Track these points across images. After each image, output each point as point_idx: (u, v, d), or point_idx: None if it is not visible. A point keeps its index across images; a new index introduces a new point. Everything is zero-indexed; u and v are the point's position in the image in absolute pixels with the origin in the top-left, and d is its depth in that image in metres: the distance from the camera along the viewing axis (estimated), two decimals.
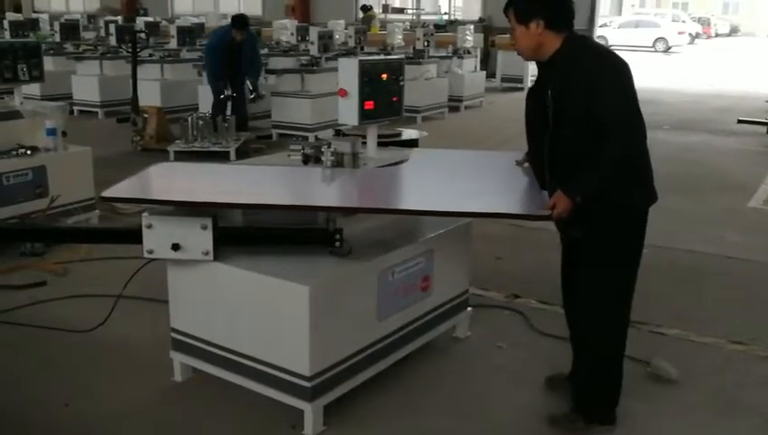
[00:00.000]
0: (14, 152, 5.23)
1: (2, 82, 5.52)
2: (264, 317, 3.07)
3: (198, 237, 3.08)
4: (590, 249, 3.05)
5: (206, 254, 3.09)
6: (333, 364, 3.09)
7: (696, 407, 3.39)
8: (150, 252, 3.15)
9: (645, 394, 3.44)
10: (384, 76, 3.81)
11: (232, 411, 3.26)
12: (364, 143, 3.91)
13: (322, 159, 3.65)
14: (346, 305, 3.12)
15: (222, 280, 3.16)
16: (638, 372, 3.57)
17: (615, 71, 2.86)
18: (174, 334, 3.41)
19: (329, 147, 3.65)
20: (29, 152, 5.26)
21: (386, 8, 21.39)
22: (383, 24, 17.68)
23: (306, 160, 3.74)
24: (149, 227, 3.12)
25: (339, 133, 3.87)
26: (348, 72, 3.72)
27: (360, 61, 3.75)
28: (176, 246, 3.09)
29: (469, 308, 4.02)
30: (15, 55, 5.54)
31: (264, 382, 3.12)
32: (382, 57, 4.38)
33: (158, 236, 3.11)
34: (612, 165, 2.84)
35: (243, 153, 8.18)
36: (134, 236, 3.18)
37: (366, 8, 15.86)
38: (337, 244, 3.14)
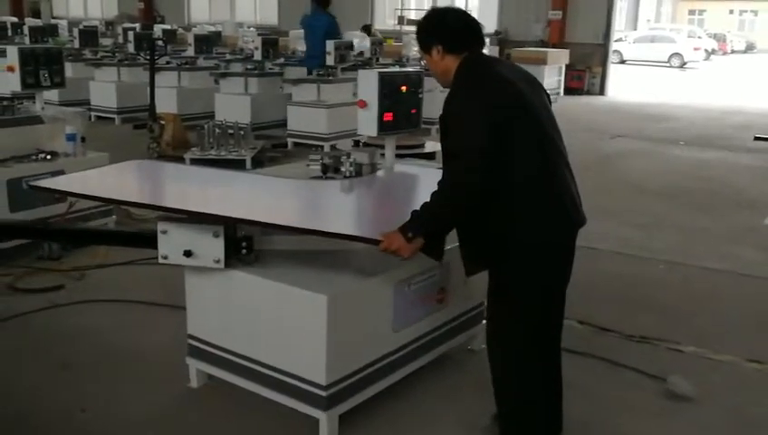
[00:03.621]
0: (35, 157, 5.28)
1: (24, 88, 5.58)
2: (281, 325, 3.08)
3: (210, 245, 3.10)
4: (496, 282, 2.88)
5: (218, 262, 3.10)
6: (349, 374, 3.09)
7: (713, 425, 3.36)
8: (165, 257, 3.17)
9: (661, 411, 3.43)
10: (404, 88, 3.83)
11: (246, 419, 3.26)
12: (383, 154, 3.93)
13: (341, 169, 3.68)
14: (362, 315, 3.12)
15: (240, 287, 3.17)
16: (655, 389, 3.56)
17: (476, 103, 2.68)
18: (190, 341, 3.43)
19: (348, 157, 3.67)
20: (49, 157, 5.31)
21: (401, 20, 21.46)
22: (398, 36, 17.74)
23: (325, 170, 3.77)
24: (164, 232, 3.15)
25: (358, 144, 3.89)
26: (368, 84, 3.74)
27: (380, 73, 3.78)
28: (188, 253, 3.11)
29: (484, 321, 4.00)
30: (37, 61, 5.60)
31: (280, 390, 3.12)
32: (402, 69, 4.40)
33: (171, 242, 3.15)
34: (446, 201, 2.68)
35: (258, 162, 8.21)
36: (151, 240, 3.21)
37: (367, 28, 15.97)
38: (243, 251, 3.11)
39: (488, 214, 2.70)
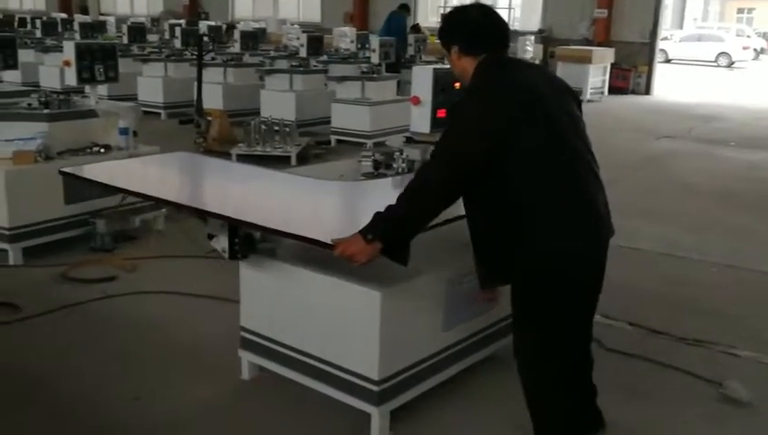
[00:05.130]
0: (89, 150, 5.38)
1: (80, 82, 5.70)
2: (334, 320, 3.09)
3: (222, 236, 3.18)
4: (513, 295, 2.75)
5: (223, 251, 3.18)
6: (401, 370, 3.09)
7: None
8: (210, 237, 3.28)
9: (717, 416, 3.36)
10: (457, 85, 3.80)
11: (297, 412, 3.28)
12: None
13: (394, 165, 3.68)
14: (416, 312, 3.13)
15: (294, 281, 3.20)
16: (711, 394, 3.50)
17: (474, 108, 2.58)
18: (243, 333, 3.46)
19: (401, 153, 3.67)
20: (102, 150, 5.41)
21: None
22: None
23: (377, 166, 3.77)
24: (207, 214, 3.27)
25: (410, 140, 3.88)
26: (422, 81, 3.73)
27: (435, 69, 3.76)
28: (210, 237, 3.23)
29: None
30: (93, 56, 5.72)
31: (332, 384, 3.14)
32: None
33: (210, 225, 3.24)
34: (408, 203, 2.57)
35: (303, 158, 8.28)
36: None
37: (417, 28, 16.03)
38: (236, 247, 3.15)
39: (498, 225, 2.59)
